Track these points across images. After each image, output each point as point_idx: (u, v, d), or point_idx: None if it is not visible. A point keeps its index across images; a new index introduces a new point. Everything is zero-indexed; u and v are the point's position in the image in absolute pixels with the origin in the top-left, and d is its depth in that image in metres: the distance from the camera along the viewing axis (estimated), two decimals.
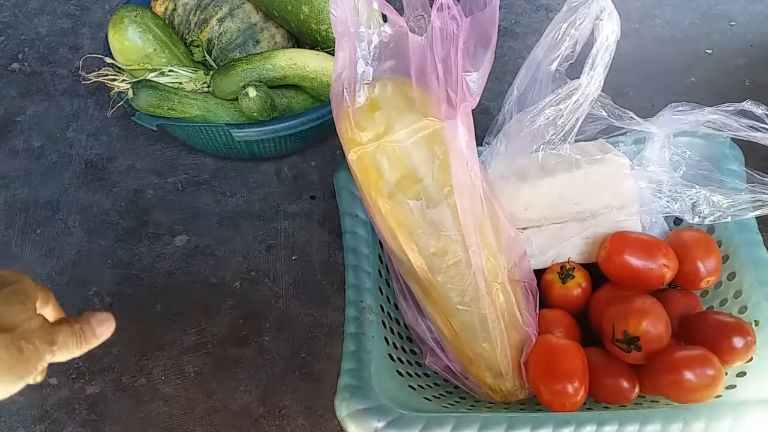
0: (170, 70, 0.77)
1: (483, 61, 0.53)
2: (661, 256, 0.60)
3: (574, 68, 0.57)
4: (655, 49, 0.94)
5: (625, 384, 0.56)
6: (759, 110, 0.56)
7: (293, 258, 0.75)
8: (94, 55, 0.80)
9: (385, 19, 0.54)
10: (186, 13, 0.81)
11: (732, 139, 0.64)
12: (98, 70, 0.77)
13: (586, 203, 0.62)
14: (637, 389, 0.57)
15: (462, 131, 0.55)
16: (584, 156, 0.61)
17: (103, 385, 0.66)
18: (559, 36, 0.56)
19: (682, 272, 0.61)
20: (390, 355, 0.58)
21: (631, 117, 0.60)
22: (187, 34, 0.83)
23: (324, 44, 0.80)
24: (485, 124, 0.64)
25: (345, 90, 0.55)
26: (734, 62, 0.92)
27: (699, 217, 0.60)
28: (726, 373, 0.54)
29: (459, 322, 0.57)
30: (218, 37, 0.81)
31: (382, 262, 0.64)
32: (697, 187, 0.60)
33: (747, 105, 0.57)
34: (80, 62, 0.83)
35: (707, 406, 0.53)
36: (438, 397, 0.59)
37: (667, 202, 0.62)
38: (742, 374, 0.56)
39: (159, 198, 0.81)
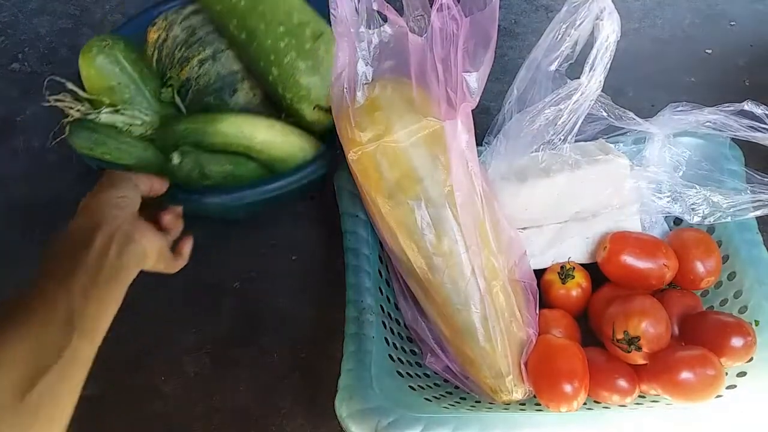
0: (125, 110, 0.73)
1: (483, 61, 0.53)
2: (661, 256, 0.60)
3: (574, 68, 0.57)
4: (655, 49, 0.94)
5: (625, 384, 0.56)
6: (759, 110, 0.56)
7: (293, 258, 0.75)
8: (58, 79, 0.75)
9: (385, 19, 0.54)
10: (173, 47, 0.78)
11: (732, 139, 0.64)
12: (60, 93, 0.74)
13: (586, 203, 0.62)
14: (637, 389, 0.56)
15: (462, 131, 0.55)
16: (584, 156, 0.61)
17: (103, 385, 0.66)
18: (559, 36, 0.56)
19: (682, 272, 0.61)
20: (390, 356, 0.58)
21: (631, 117, 0.60)
22: (169, 69, 0.78)
23: (288, 113, 0.73)
24: (485, 124, 0.64)
25: (345, 90, 0.55)
26: (734, 62, 0.92)
27: (699, 217, 0.60)
28: (726, 373, 0.54)
29: (459, 322, 0.57)
30: (196, 79, 0.76)
31: (382, 262, 0.64)
32: (697, 187, 0.60)
33: (747, 105, 0.57)
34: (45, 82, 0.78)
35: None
36: (438, 398, 0.59)
37: (667, 202, 0.62)
38: (742, 374, 0.55)
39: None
